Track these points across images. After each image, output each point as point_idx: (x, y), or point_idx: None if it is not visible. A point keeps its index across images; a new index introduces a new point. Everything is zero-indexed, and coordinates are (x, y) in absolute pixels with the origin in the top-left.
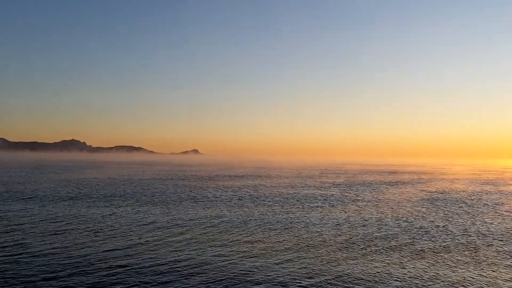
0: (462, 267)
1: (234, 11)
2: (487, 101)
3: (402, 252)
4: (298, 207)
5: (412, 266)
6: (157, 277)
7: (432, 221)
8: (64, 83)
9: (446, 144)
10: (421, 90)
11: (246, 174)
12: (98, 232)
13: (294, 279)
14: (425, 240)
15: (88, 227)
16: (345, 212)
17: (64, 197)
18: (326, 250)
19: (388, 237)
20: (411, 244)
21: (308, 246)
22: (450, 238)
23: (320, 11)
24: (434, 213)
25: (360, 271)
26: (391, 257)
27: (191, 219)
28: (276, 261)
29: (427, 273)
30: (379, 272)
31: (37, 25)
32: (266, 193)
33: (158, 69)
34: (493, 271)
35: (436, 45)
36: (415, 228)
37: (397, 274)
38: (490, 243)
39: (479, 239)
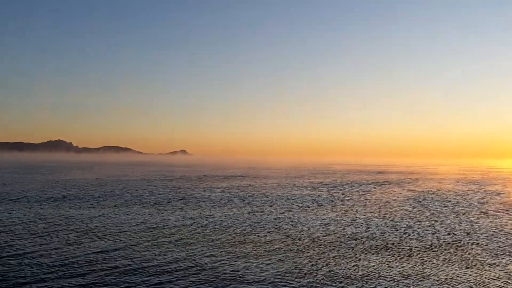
0: (449, 265)
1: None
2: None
3: (390, 251)
4: (287, 207)
5: (400, 264)
6: (147, 278)
7: (419, 221)
8: (50, 83)
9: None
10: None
11: (235, 175)
12: (87, 233)
13: (284, 279)
14: (412, 239)
15: (76, 228)
16: (334, 212)
17: (51, 198)
18: (315, 250)
19: (376, 237)
20: (399, 243)
21: (298, 246)
22: (436, 237)
23: (314, 9)
24: (421, 213)
25: (348, 270)
26: (379, 256)
27: (180, 220)
28: (265, 262)
29: (414, 272)
30: (367, 271)
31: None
32: (254, 194)
33: (144, 69)
34: (478, 269)
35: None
36: (403, 227)
37: (385, 273)
38: (475, 241)
39: (465, 237)
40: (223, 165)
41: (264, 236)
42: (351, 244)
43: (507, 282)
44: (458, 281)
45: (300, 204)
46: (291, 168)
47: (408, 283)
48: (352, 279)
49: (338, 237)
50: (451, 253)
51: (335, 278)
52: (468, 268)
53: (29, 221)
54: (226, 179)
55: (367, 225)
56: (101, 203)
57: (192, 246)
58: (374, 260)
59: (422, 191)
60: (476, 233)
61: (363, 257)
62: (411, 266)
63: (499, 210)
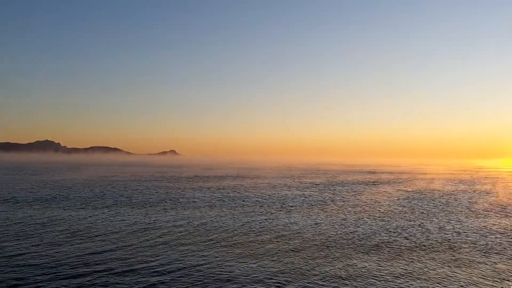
0: (438, 264)
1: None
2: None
3: (380, 250)
4: (278, 208)
5: (390, 264)
6: (138, 280)
7: (409, 220)
8: (37, 83)
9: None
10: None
11: (226, 175)
12: (77, 234)
13: (276, 279)
14: (402, 238)
15: (66, 230)
16: (324, 212)
17: (40, 199)
18: (306, 250)
19: (366, 236)
20: (389, 243)
21: (289, 246)
22: (426, 236)
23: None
24: (410, 212)
25: (340, 270)
26: (369, 255)
27: (170, 221)
28: (257, 262)
29: (404, 270)
30: (358, 271)
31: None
32: (245, 194)
33: (132, 69)
34: (467, 267)
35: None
36: (392, 227)
37: (375, 272)
38: (464, 240)
39: (454, 237)
40: (214, 165)
41: (255, 236)
42: (341, 244)
43: (495, 280)
44: (448, 280)
45: (291, 204)
46: (284, 168)
47: (398, 282)
48: (343, 279)
49: (329, 237)
50: (440, 252)
51: (327, 278)
52: (457, 267)
53: (18, 222)
54: (217, 180)
55: (357, 225)
56: (90, 204)
57: (183, 247)
58: (365, 260)
59: (412, 191)
60: (465, 232)
61: (354, 256)
62: (401, 265)
63: (488, 210)
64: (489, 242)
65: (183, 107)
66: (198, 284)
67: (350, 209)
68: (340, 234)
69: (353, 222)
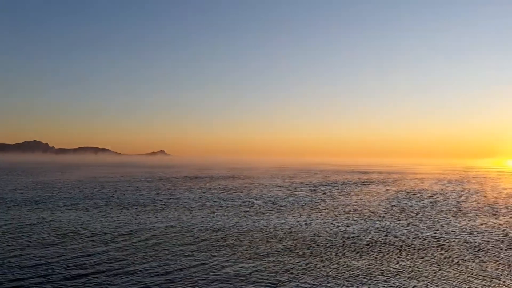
0: (427, 262)
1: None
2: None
3: (370, 249)
4: (269, 208)
5: (380, 262)
6: (128, 282)
7: (399, 219)
8: (24, 83)
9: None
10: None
11: (217, 175)
12: (66, 236)
13: (268, 280)
14: (392, 237)
15: (55, 231)
16: (315, 212)
17: (29, 200)
18: (297, 251)
19: (357, 236)
20: (378, 242)
21: (280, 246)
22: (415, 235)
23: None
24: (400, 212)
25: (330, 269)
26: (360, 255)
27: (160, 222)
28: (247, 263)
29: (394, 269)
30: (349, 270)
31: None
32: (235, 195)
33: (121, 69)
34: (456, 265)
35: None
36: (382, 226)
37: (366, 271)
38: (453, 239)
39: (443, 235)
40: (204, 166)
41: (246, 237)
42: (332, 243)
43: (484, 278)
44: (437, 278)
45: (282, 205)
46: (276, 168)
47: (388, 281)
48: (334, 278)
49: (320, 236)
50: (429, 250)
51: (318, 277)
52: (446, 265)
53: (6, 224)
54: (208, 180)
55: (347, 225)
56: (80, 205)
57: (175, 248)
58: (355, 259)
59: (402, 191)
60: (453, 231)
61: (345, 256)
62: (391, 264)
63: (475, 209)
64: (477, 241)
65: (172, 107)
66: (189, 285)
67: (340, 209)
68: (331, 233)
69: (343, 221)
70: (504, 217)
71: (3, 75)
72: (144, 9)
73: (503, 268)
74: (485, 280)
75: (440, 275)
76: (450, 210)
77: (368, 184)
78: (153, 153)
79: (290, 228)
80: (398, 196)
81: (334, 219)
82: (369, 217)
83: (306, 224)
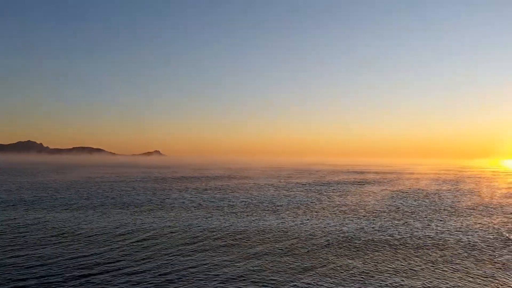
0: (423, 261)
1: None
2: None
3: (366, 249)
4: (264, 208)
5: (375, 261)
6: (124, 283)
7: (394, 219)
8: (18, 83)
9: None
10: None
11: (213, 176)
12: (61, 236)
13: (263, 279)
14: (387, 236)
15: (50, 232)
16: (311, 212)
17: (24, 200)
18: (293, 250)
19: (353, 235)
20: (374, 241)
21: (276, 246)
22: (410, 234)
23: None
24: (395, 212)
25: (325, 269)
26: (356, 254)
27: (156, 222)
28: (243, 262)
29: (389, 267)
30: (345, 269)
31: None
32: (232, 195)
33: (116, 70)
34: (450, 263)
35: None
36: (378, 225)
37: (362, 270)
38: (447, 238)
39: (437, 234)
40: (200, 166)
41: (242, 237)
42: (327, 243)
43: (478, 277)
44: (432, 276)
45: (278, 205)
46: (272, 168)
47: (384, 279)
48: (330, 277)
49: (316, 236)
50: (424, 249)
51: (314, 276)
52: (441, 263)
53: (1, 225)
54: (204, 180)
55: (343, 224)
56: (75, 206)
57: (171, 249)
58: (351, 257)
59: (398, 191)
60: (448, 230)
61: (340, 255)
62: (387, 262)
63: (470, 208)
64: (472, 240)
65: (168, 107)
66: (186, 285)
67: (336, 208)
68: (327, 233)
69: (339, 221)
70: (498, 217)
71: None
72: (142, 9)
73: (497, 266)
74: (479, 278)
75: (435, 273)
76: (445, 209)
77: (364, 184)
78: (148, 153)
79: (286, 228)
80: (394, 196)
81: (330, 219)
82: (364, 216)
83: (302, 224)
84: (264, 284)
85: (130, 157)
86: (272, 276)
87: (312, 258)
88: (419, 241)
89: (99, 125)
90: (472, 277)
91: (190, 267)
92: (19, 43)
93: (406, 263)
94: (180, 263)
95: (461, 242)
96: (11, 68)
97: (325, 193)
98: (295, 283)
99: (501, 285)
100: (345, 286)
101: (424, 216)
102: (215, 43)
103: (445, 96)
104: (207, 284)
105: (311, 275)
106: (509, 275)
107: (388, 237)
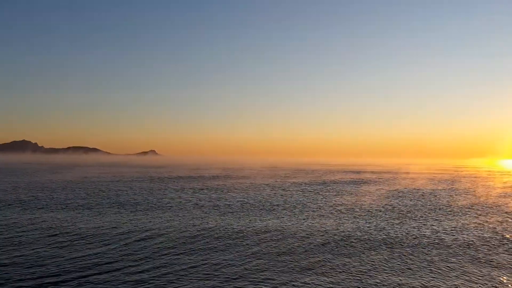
0: (418, 260)
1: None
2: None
3: (362, 248)
4: (261, 208)
5: (371, 260)
6: (121, 283)
7: (390, 218)
8: (13, 82)
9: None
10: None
11: (209, 175)
12: (56, 237)
13: (258, 279)
14: (383, 235)
15: (46, 233)
16: (307, 211)
17: (19, 201)
18: (291, 251)
19: (349, 234)
20: (369, 240)
21: (271, 245)
22: (405, 233)
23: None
24: (390, 211)
25: (321, 268)
26: (351, 253)
27: (153, 222)
28: (241, 264)
29: (385, 266)
30: (341, 268)
31: None
32: (228, 195)
33: (112, 68)
34: (445, 262)
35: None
36: (373, 225)
37: (358, 269)
38: (442, 237)
39: (433, 234)
40: (196, 166)
41: (237, 237)
42: (323, 242)
43: (473, 276)
44: (428, 275)
45: (274, 204)
46: (267, 168)
47: (380, 278)
48: (327, 276)
49: (311, 236)
50: (419, 248)
51: (312, 276)
52: (436, 262)
53: None
54: (200, 180)
55: (338, 224)
56: (71, 206)
57: (168, 249)
58: (347, 255)
59: (394, 190)
60: (444, 229)
61: (337, 254)
62: (382, 261)
63: (465, 207)
64: (466, 238)
65: (163, 107)
66: (184, 286)
67: (332, 208)
68: (323, 232)
69: (335, 221)
70: (493, 216)
71: None
72: (138, 7)
73: (493, 265)
74: (475, 277)
75: (431, 272)
76: (440, 209)
77: (360, 184)
78: (144, 153)
79: (283, 228)
80: (390, 196)
81: (326, 219)
82: (361, 216)
83: (298, 223)
84: (261, 283)
85: (126, 156)
86: (269, 275)
87: (309, 257)
88: (415, 240)
89: (95, 125)
90: (468, 276)
91: (187, 267)
92: (12, 41)
93: (403, 262)
94: (176, 263)
95: (457, 241)
96: (5, 67)
97: (321, 193)
98: (292, 283)
99: (497, 283)
100: (342, 285)
101: (420, 216)
102: (212, 42)
103: (440, 96)
104: (204, 284)
105: (308, 275)
106: (505, 274)
107: (385, 236)
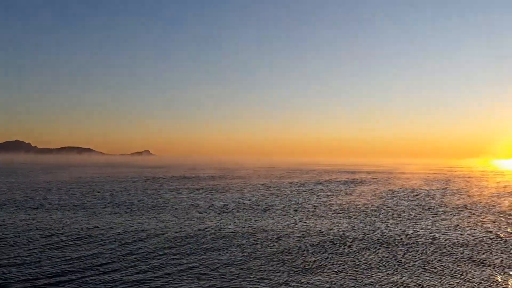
0: (413, 259)
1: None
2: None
3: (357, 247)
4: (256, 208)
5: (366, 259)
6: (118, 284)
7: (384, 218)
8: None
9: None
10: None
11: (205, 176)
12: (50, 238)
13: (258, 280)
14: (378, 235)
15: (40, 234)
16: (302, 211)
17: (12, 201)
18: (286, 251)
19: (344, 234)
20: (364, 240)
21: (269, 244)
22: (400, 233)
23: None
24: (385, 211)
25: (317, 267)
26: (347, 252)
27: (148, 223)
28: (238, 263)
29: (381, 265)
30: (339, 268)
31: None
32: (224, 195)
33: (106, 68)
34: (439, 261)
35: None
36: (368, 225)
37: (353, 268)
38: (436, 236)
39: (427, 233)
40: (190, 166)
41: (232, 237)
42: (319, 242)
43: (468, 274)
44: (424, 274)
45: (270, 204)
46: (263, 168)
47: (377, 278)
48: (323, 276)
49: (308, 236)
50: (414, 247)
51: (309, 276)
52: (432, 261)
53: None
54: (195, 180)
55: (333, 224)
56: (66, 206)
57: (165, 250)
58: (342, 255)
59: (389, 190)
60: (438, 228)
61: (333, 254)
62: (378, 260)
63: (459, 207)
64: (460, 237)
65: (158, 107)
66: (181, 285)
67: (327, 208)
68: (318, 232)
69: (330, 221)
70: (487, 215)
71: None
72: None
73: (487, 263)
74: (469, 275)
75: (426, 271)
76: (434, 208)
77: (355, 184)
78: (138, 153)
79: (278, 228)
80: (385, 195)
81: (322, 218)
82: (356, 216)
83: (293, 223)
84: (257, 283)
85: (120, 157)
86: (264, 275)
87: (304, 257)
88: (410, 239)
89: (88, 125)
90: (462, 275)
91: (183, 268)
92: (6, 40)
93: (397, 261)
94: (172, 264)
95: (451, 240)
96: None
97: (316, 193)
98: (288, 282)
99: (491, 282)
100: (337, 284)
101: (414, 215)
102: (209, 42)
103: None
104: (200, 285)
105: (303, 275)
106: (498, 272)
107: (379, 236)
